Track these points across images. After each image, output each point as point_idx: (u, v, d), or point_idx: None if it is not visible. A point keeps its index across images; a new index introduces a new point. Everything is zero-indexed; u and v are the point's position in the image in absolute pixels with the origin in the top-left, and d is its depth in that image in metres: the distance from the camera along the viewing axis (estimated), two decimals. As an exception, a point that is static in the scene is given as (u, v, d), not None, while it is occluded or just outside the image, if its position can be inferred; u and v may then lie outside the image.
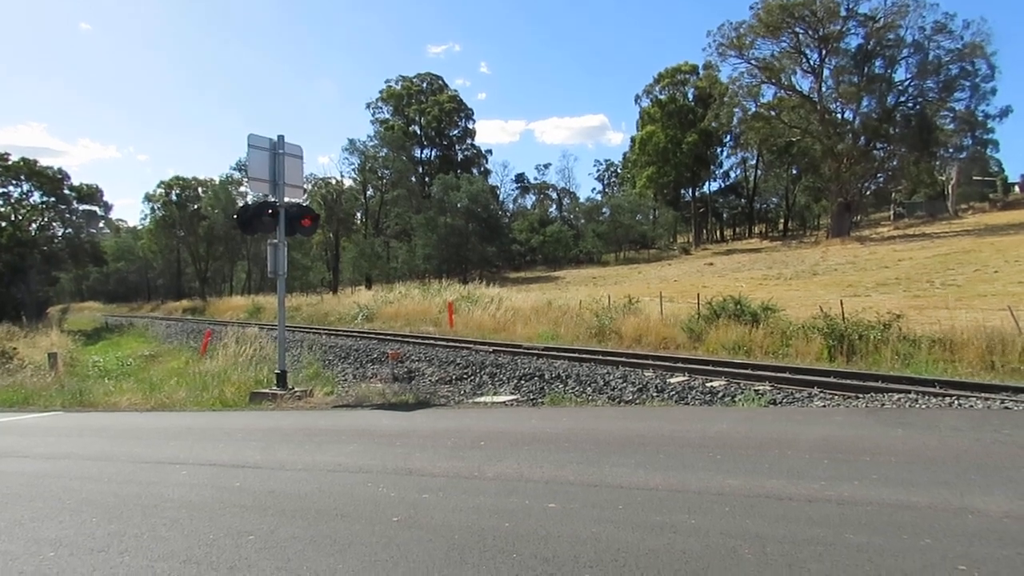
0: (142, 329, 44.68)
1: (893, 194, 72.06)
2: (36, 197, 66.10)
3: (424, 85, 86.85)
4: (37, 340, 30.18)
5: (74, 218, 68.58)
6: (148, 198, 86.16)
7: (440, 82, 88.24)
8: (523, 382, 13.00)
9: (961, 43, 51.68)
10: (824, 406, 9.54)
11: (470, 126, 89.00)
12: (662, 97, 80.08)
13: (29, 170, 63.71)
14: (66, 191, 67.07)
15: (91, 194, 69.55)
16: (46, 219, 67.40)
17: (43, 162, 67.90)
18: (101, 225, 73.85)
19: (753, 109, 61.43)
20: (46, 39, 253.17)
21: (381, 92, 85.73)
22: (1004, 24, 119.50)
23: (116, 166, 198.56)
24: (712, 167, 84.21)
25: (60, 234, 68.72)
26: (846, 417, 8.18)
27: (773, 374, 11.79)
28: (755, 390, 10.64)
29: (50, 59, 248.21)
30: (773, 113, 61.00)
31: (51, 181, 65.25)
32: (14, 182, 63.98)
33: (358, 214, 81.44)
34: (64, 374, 18.18)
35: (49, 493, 5.72)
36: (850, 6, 54.65)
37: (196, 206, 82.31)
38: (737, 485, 5.01)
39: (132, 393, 13.66)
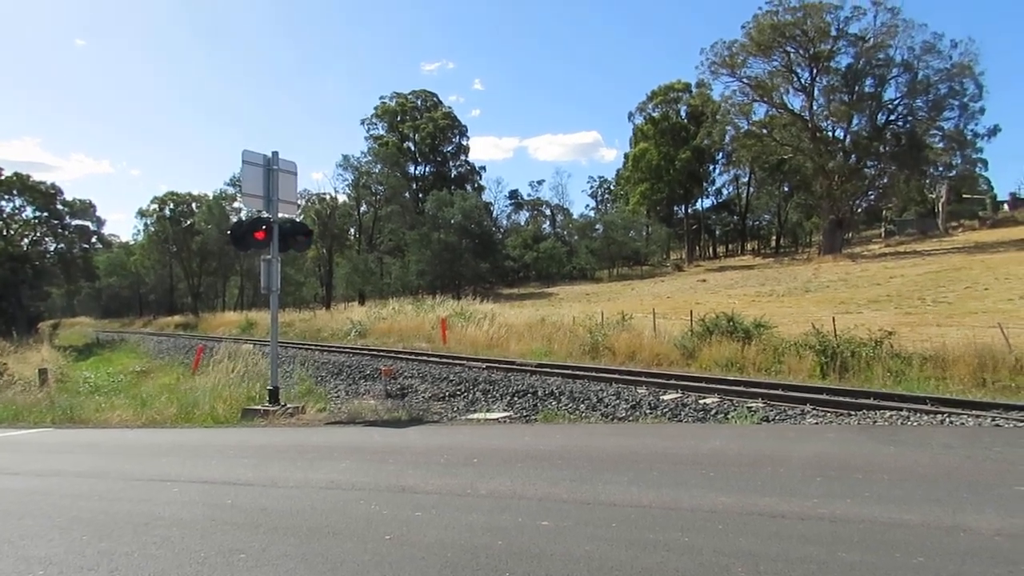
0: (134, 345, 44.44)
1: (884, 211, 72.56)
2: (28, 212, 66.17)
3: (418, 102, 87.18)
4: (27, 355, 29.93)
5: (66, 233, 68.47)
6: (141, 213, 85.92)
7: (434, 99, 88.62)
8: (516, 399, 12.98)
9: (949, 63, 52.36)
10: (817, 423, 9.57)
11: (464, 143, 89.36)
12: (655, 114, 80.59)
13: (22, 185, 63.68)
14: (59, 206, 67.08)
15: (84, 209, 69.65)
16: (38, 234, 67.34)
17: (36, 177, 68.08)
18: (94, 240, 73.60)
19: (745, 127, 61.96)
20: (41, 54, 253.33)
21: (376, 108, 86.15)
22: (993, 44, 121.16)
23: (109, 181, 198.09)
24: (705, 184, 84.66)
25: (52, 249, 68.60)
26: (838, 434, 8.20)
27: (766, 391, 11.80)
28: (748, 407, 10.65)
29: (44, 74, 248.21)
30: (765, 131, 61.51)
31: (44, 196, 65.23)
32: (7, 197, 63.98)
33: (352, 230, 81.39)
34: (54, 390, 18.03)
35: (39, 511, 5.68)
36: (840, 26, 55.35)
37: (189, 221, 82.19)
38: (730, 503, 5.01)
39: (123, 409, 13.56)
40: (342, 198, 76.80)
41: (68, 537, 4.79)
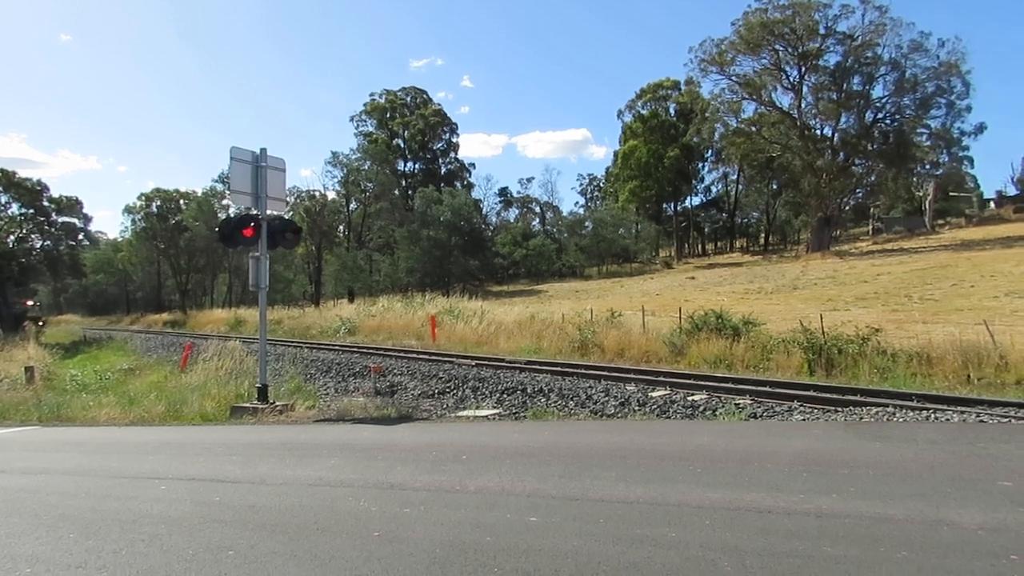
0: (121, 342, 44.15)
1: (872, 209, 73.01)
2: (14, 209, 65.49)
3: (408, 99, 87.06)
4: (14, 353, 29.72)
5: (53, 230, 67.87)
6: (128, 210, 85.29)
7: (424, 96, 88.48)
8: (505, 396, 12.99)
9: (937, 61, 52.58)
10: (804, 420, 9.62)
11: (453, 140, 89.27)
12: (644, 112, 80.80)
13: (8, 181, 63.13)
14: (45, 203, 66.47)
15: (71, 206, 68.96)
16: (24, 231, 66.65)
17: (23, 173, 67.45)
18: (80, 237, 72.98)
19: (734, 125, 62.04)
20: (26, 50, 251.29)
21: (365, 105, 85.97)
22: (980, 42, 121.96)
23: (96, 177, 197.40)
24: (694, 182, 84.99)
25: (38, 246, 67.97)
26: (825, 430, 8.26)
27: (754, 388, 11.86)
28: (736, 404, 10.70)
29: (30, 70, 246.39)
30: (754, 129, 61.65)
31: (30, 193, 64.67)
32: (-7, 194, 63.40)
33: (341, 227, 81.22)
34: (41, 388, 17.96)
35: (26, 509, 5.66)
36: (829, 24, 55.50)
37: (177, 218, 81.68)
38: (717, 498, 5.05)
39: (111, 407, 13.51)
40: (331, 195, 76.76)
41: (55, 535, 4.78)
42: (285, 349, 25.46)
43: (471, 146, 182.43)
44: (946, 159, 57.76)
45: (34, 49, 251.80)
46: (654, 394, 12.08)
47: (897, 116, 56.02)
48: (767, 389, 11.67)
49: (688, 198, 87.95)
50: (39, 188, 65.70)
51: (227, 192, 62.09)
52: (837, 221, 62.84)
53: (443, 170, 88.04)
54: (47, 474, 7.45)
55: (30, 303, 65.43)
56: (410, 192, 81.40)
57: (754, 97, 59.85)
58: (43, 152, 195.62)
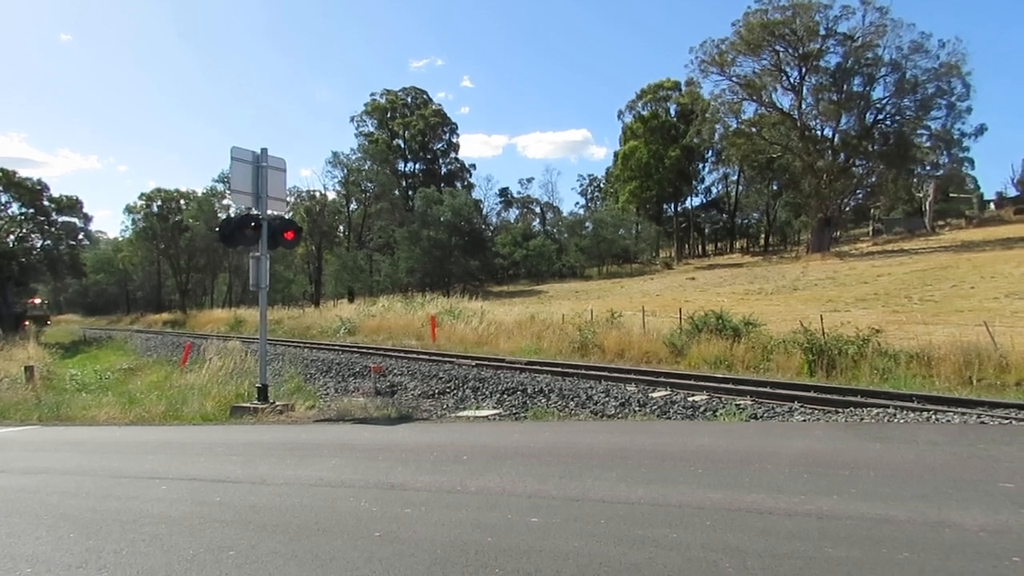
0: (121, 342, 44.12)
1: (872, 210, 72.99)
2: (15, 208, 65.36)
3: (408, 99, 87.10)
4: (13, 353, 29.70)
5: (53, 230, 67.75)
6: (128, 210, 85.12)
7: (424, 96, 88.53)
8: (506, 396, 12.98)
9: (937, 62, 52.62)
10: (804, 420, 9.61)
11: (454, 140, 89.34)
12: (645, 113, 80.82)
13: (8, 181, 63.02)
14: (45, 202, 66.35)
15: (71, 205, 68.83)
16: (24, 231, 66.54)
17: (23, 173, 67.31)
18: (80, 237, 72.87)
19: (734, 125, 62.11)
20: (26, 50, 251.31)
21: (366, 105, 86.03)
22: (981, 43, 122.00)
23: (96, 177, 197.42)
24: (694, 182, 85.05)
25: (39, 246, 67.86)
26: (826, 431, 8.25)
27: (754, 388, 11.85)
28: (736, 404, 10.69)
29: (30, 70, 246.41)
30: (754, 130, 61.69)
31: (30, 192, 64.55)
32: (-7, 194, 63.32)
33: (341, 227, 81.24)
34: (41, 387, 17.91)
35: (26, 508, 5.65)
36: (829, 25, 55.51)
37: (178, 218, 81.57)
38: (718, 499, 5.04)
39: (110, 407, 13.49)
40: (331, 195, 76.82)
41: (55, 534, 4.77)
42: (285, 349, 25.46)
43: (471, 146, 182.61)
44: (946, 160, 57.79)
45: (34, 49, 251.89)
46: (654, 395, 12.07)
47: (897, 117, 56.03)
48: (768, 390, 11.65)
49: (688, 199, 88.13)
50: (39, 188, 65.60)
51: (227, 192, 62.12)
52: (837, 222, 62.85)
53: (443, 170, 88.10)
54: (47, 474, 7.44)
55: (37, 302, 65.38)
56: (410, 192, 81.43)
57: (754, 98, 59.88)
58: (43, 152, 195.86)
